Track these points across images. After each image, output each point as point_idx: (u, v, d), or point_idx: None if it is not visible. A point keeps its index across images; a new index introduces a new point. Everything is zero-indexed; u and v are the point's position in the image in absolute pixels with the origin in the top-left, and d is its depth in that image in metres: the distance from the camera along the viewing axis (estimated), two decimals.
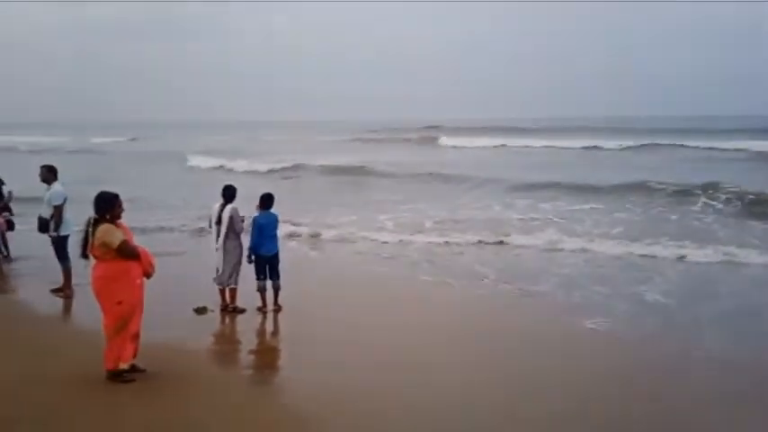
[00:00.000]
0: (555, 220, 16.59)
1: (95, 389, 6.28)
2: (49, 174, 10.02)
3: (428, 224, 16.13)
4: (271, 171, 29.88)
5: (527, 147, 44.54)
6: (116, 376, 6.37)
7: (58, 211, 9.79)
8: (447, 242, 14.11)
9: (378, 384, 6.62)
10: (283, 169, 30.10)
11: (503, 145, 46.00)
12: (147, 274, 6.55)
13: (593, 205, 18.49)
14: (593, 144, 42.10)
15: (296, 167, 30.43)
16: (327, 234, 14.99)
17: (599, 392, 6.52)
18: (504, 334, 8.37)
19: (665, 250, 12.80)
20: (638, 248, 13.01)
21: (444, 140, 51.28)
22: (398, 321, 8.84)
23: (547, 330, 8.45)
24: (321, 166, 30.37)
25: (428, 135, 55.91)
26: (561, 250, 13.27)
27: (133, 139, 66.87)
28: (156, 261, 6.66)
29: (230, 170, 31.11)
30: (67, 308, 9.58)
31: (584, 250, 13.12)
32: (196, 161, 35.98)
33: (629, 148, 40.29)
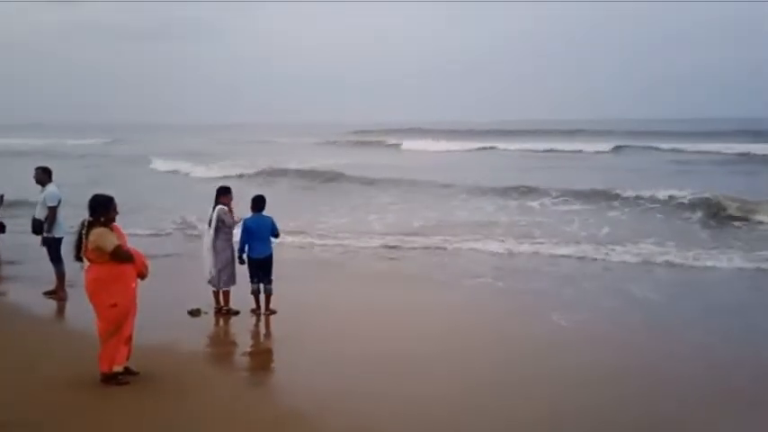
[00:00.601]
0: (539, 220, 16.70)
1: (90, 391, 6.20)
2: (43, 175, 9.94)
3: (416, 225, 16.24)
4: (241, 175, 29.04)
5: (489, 147, 45.01)
6: (110, 379, 6.29)
7: (53, 212, 9.70)
8: (438, 247, 14.10)
9: (373, 385, 6.58)
10: (261, 173, 29.48)
11: (492, 147, 46.14)
12: (142, 276, 6.48)
13: (574, 207, 18.68)
14: (579, 148, 41.89)
15: (272, 172, 29.64)
16: (316, 237, 14.95)
17: (593, 392, 6.54)
18: (502, 335, 8.41)
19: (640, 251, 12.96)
20: (620, 251, 13.10)
21: (410, 144, 50.41)
22: (393, 322, 8.83)
23: (538, 330, 8.47)
24: (295, 170, 29.66)
25: (395, 140, 54.72)
26: (551, 254, 13.34)
27: (113, 142, 66.02)
28: (149, 262, 6.61)
29: (187, 174, 31.43)
30: (61, 310, 9.48)
31: (574, 255, 13.16)
32: (158, 164, 35.65)
33: (610, 150, 40.53)
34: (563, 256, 12.98)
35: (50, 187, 9.86)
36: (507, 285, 10.77)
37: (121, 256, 6.25)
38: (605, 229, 15.43)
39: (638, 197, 19.20)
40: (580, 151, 40.74)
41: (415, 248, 13.92)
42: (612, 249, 13.15)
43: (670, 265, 12.14)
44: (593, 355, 7.59)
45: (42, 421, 5.52)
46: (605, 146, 41.92)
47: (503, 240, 14.30)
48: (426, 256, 13.25)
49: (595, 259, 12.64)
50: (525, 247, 13.68)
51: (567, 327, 8.51)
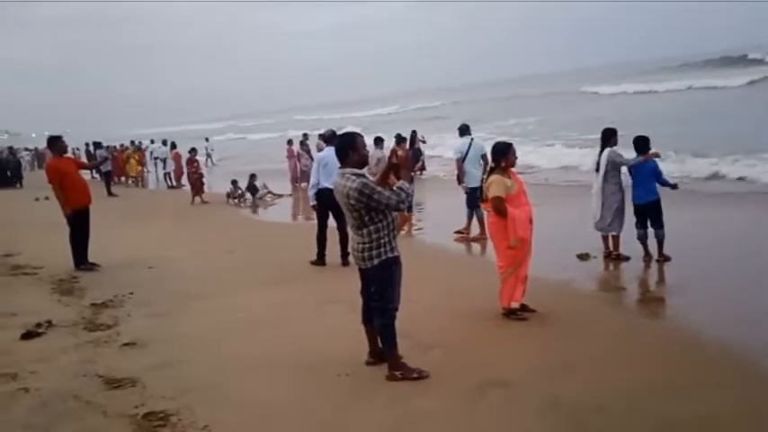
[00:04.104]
0: None
1: (492, 322, 6.28)
2: (460, 130, 10.64)
3: None
4: None
5: None
6: (510, 313, 6.33)
7: (458, 164, 10.37)
8: None
9: None
10: None
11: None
12: (518, 237, 6.10)
13: None
14: None
15: None
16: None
17: None
18: None
19: None
20: None
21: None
22: None
23: None
24: None
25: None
26: None
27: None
28: (529, 232, 6.22)
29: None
30: (469, 250, 10.06)
31: None
32: None
33: None
34: None
35: (458, 142, 10.53)
36: None
37: (496, 208, 6.12)
38: None
39: None
40: None
41: None
42: None
43: None
44: None
45: (454, 345, 5.74)
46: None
47: None
48: None
49: None
50: None
51: None
